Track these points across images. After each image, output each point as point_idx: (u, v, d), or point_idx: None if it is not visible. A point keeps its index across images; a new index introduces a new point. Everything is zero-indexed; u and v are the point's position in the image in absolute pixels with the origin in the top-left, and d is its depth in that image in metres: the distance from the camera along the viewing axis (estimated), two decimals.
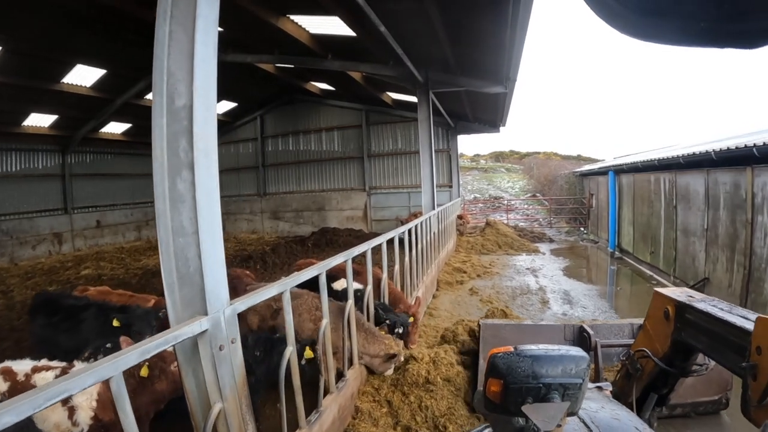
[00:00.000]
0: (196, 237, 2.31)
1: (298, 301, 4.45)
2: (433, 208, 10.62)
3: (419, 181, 11.25)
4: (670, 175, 10.78)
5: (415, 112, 10.97)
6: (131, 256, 15.87)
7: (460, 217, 17.33)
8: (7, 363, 3.26)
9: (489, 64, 9.54)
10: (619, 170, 15.26)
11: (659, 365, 3.13)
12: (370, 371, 4.67)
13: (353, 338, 4.25)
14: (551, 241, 18.16)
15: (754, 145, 6.88)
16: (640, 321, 3.96)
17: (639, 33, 0.56)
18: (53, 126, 16.21)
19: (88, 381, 1.89)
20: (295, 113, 20.63)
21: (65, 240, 17.31)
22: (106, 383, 1.99)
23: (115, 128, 18.17)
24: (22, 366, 3.19)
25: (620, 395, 3.61)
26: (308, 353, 3.54)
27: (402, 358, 4.69)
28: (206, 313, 2.34)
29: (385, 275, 5.46)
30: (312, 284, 3.78)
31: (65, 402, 3.00)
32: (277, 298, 3.21)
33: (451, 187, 19.21)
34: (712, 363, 2.95)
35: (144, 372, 2.96)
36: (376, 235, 12.99)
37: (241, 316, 4.61)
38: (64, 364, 3.41)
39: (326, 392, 3.79)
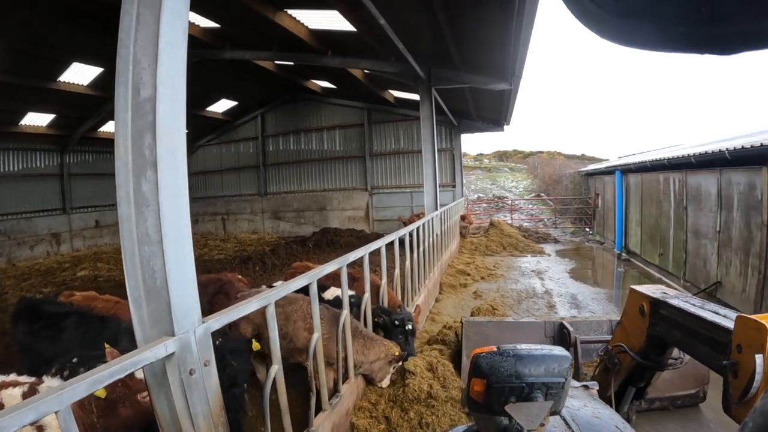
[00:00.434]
0: (160, 246, 2.03)
1: (293, 306, 4.17)
2: (436, 209, 10.31)
3: (422, 181, 10.94)
4: (680, 175, 10.47)
5: (418, 111, 10.65)
6: None
7: (463, 218, 17.01)
8: None
9: (494, 59, 9.23)
10: (627, 170, 14.91)
11: (636, 359, 3.26)
12: (368, 381, 4.38)
13: (349, 349, 3.96)
14: (556, 241, 17.83)
15: None
16: (617, 318, 4.12)
17: (617, 37, 0.54)
18: (51, 125, 16.03)
19: (28, 417, 1.62)
20: (296, 112, 20.37)
21: (63, 240, 17.13)
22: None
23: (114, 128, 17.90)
24: None
25: (599, 389, 3.56)
26: (255, 345, 3.34)
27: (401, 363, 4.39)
28: (173, 333, 2.05)
29: (384, 281, 5.16)
30: (305, 290, 3.51)
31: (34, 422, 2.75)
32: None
33: (454, 186, 18.90)
34: (687, 357, 3.07)
35: (100, 393, 2.66)
36: (378, 235, 12.71)
37: (234, 325, 4.36)
38: (33, 379, 3.17)
39: (318, 410, 3.51)
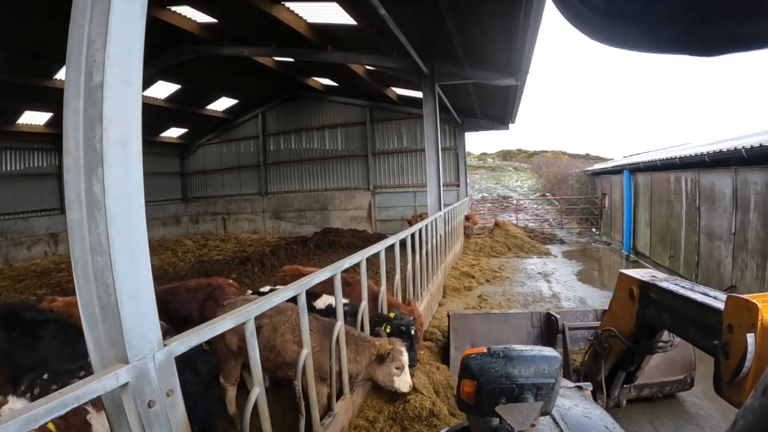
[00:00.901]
0: (109, 256, 1.71)
1: (281, 317, 3.82)
2: (440, 209, 9.97)
3: (425, 180, 10.61)
4: (693, 174, 10.12)
5: (421, 108, 10.31)
6: None
7: (467, 218, 16.66)
8: None
9: (500, 53, 8.88)
10: (635, 169, 14.52)
11: (625, 343, 3.27)
12: (385, 391, 3.97)
13: (343, 363, 3.63)
14: (562, 242, 17.43)
15: None
16: (604, 307, 4.21)
17: (607, 39, 0.54)
18: (48, 124, 15.83)
19: None
20: (297, 110, 20.07)
21: (61, 240, 16.86)
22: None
23: None
24: None
25: (589, 374, 3.87)
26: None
27: (403, 360, 3.73)
28: (126, 360, 1.73)
29: (383, 288, 4.81)
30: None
31: None
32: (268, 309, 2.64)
33: (458, 186, 18.55)
34: (677, 340, 3.12)
35: (51, 426, 2.34)
36: (380, 236, 12.37)
37: (218, 337, 4.00)
38: None
39: (309, 430, 3.19)
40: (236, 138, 21.47)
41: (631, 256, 14.07)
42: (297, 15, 9.47)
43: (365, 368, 3.77)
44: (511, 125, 18.15)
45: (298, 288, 2.90)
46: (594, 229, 20.26)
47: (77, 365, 3.49)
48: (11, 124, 14.80)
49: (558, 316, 4.95)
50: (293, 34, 9.94)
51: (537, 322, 5.18)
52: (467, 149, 19.45)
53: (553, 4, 0.56)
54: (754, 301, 2.05)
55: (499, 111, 15.97)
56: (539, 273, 11.60)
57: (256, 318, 3.41)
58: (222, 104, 19.30)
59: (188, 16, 10.70)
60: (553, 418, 1.58)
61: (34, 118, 15.17)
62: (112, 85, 1.70)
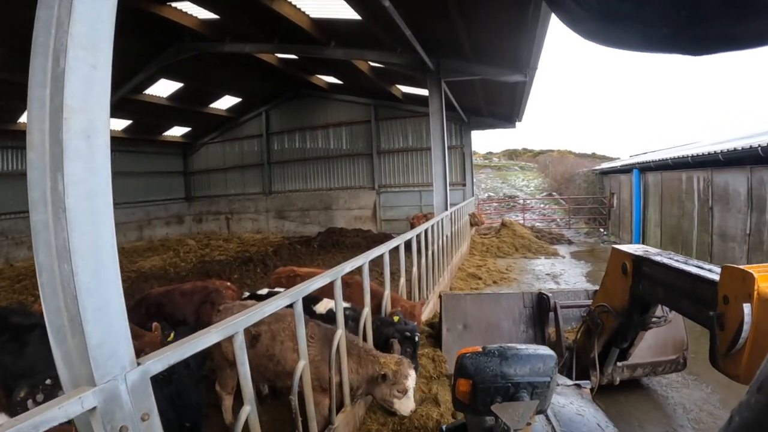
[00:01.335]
0: (70, 264, 1.50)
1: (279, 325, 3.60)
2: (446, 208, 9.72)
3: (431, 180, 10.36)
4: (705, 174, 9.86)
5: (427, 107, 10.05)
6: (129, 257, 15.20)
7: (473, 217, 16.40)
8: None
9: (507, 48, 8.62)
10: (645, 168, 14.24)
11: (618, 318, 3.25)
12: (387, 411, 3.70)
13: (344, 374, 3.41)
14: (570, 242, 17.15)
15: None
16: (595, 287, 4.23)
17: (601, 39, 0.54)
18: None
19: None
20: (301, 108, 19.85)
21: None
22: None
23: (115, 125, 17.57)
24: None
25: (582, 352, 3.86)
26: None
27: (407, 384, 3.61)
28: (93, 382, 1.52)
29: (387, 292, 4.59)
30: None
31: None
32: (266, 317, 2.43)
33: (464, 185, 18.27)
34: (671, 315, 3.14)
35: None
36: (385, 236, 12.11)
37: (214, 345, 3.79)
38: None
39: None
40: (240, 137, 21.27)
41: None
42: (299, 9, 9.26)
43: (366, 383, 3.50)
44: (517, 123, 17.88)
45: (295, 295, 2.67)
46: (602, 230, 19.95)
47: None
48: (12, 122, 14.70)
49: (550, 295, 4.97)
50: (296, 30, 9.74)
51: (529, 301, 5.15)
52: (473, 148, 19.18)
53: (546, 4, 0.56)
54: (750, 270, 2.03)
55: (506, 108, 15.69)
56: (547, 274, 11.36)
57: (255, 325, 3.20)
58: (225, 102, 19.12)
59: (189, 12, 10.52)
60: (546, 416, 1.57)
61: None
62: (75, 68, 1.48)
